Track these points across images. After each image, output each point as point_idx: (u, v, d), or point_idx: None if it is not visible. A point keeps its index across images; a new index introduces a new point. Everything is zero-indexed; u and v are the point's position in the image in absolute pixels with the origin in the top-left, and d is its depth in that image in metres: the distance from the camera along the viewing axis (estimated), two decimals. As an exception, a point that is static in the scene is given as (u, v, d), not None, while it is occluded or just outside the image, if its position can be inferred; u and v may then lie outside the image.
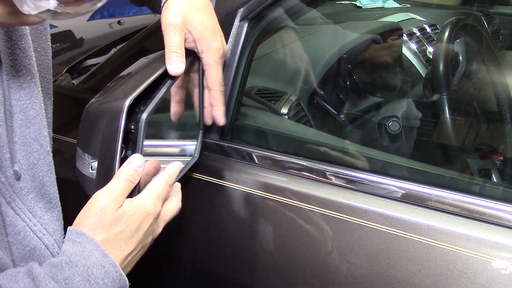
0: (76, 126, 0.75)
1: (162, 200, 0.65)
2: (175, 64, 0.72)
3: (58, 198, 0.69)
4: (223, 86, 0.81)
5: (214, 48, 0.77)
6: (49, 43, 0.74)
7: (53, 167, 0.68)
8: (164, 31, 0.75)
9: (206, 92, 0.82)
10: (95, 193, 0.61)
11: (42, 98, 0.67)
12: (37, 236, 0.64)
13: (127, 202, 0.61)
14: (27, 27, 0.66)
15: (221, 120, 0.82)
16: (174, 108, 0.84)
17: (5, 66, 0.62)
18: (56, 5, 0.49)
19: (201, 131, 0.87)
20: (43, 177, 0.66)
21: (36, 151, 0.65)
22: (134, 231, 0.60)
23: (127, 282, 0.59)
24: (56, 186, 0.68)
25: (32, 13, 0.49)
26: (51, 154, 0.68)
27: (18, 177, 0.63)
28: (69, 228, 0.60)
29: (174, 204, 0.68)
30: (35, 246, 0.64)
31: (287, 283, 0.80)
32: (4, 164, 0.61)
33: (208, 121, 0.84)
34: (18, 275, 0.55)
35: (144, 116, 0.67)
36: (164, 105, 0.90)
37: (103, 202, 0.60)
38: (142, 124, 0.67)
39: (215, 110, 0.81)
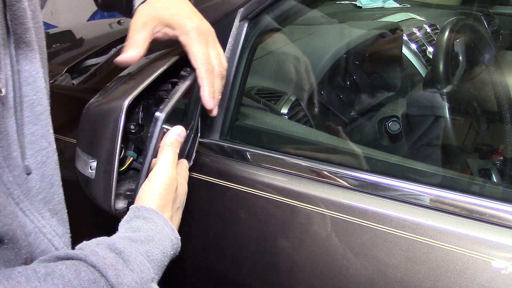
0: (75, 126, 0.75)
1: None
2: (126, 54, 0.73)
3: (64, 200, 0.68)
4: (210, 64, 0.74)
5: (188, 27, 0.73)
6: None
7: (58, 166, 0.67)
8: (128, 31, 0.74)
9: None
10: (156, 170, 0.68)
11: (48, 92, 0.66)
12: (47, 239, 0.63)
13: (179, 186, 0.71)
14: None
15: (207, 102, 0.74)
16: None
17: (14, 55, 0.59)
18: None
19: (197, 135, 0.85)
20: (52, 176, 0.64)
21: (45, 148, 0.63)
22: (183, 207, 0.73)
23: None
24: (62, 188, 0.67)
25: None
26: (56, 153, 0.66)
27: (28, 172, 0.61)
28: (136, 206, 0.66)
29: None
30: (45, 248, 0.62)
31: (287, 283, 0.79)
32: (12, 163, 0.59)
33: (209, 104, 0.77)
34: (98, 248, 0.57)
35: (161, 115, 0.69)
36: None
37: (167, 181, 0.67)
38: (158, 122, 0.69)
39: (201, 91, 0.74)
